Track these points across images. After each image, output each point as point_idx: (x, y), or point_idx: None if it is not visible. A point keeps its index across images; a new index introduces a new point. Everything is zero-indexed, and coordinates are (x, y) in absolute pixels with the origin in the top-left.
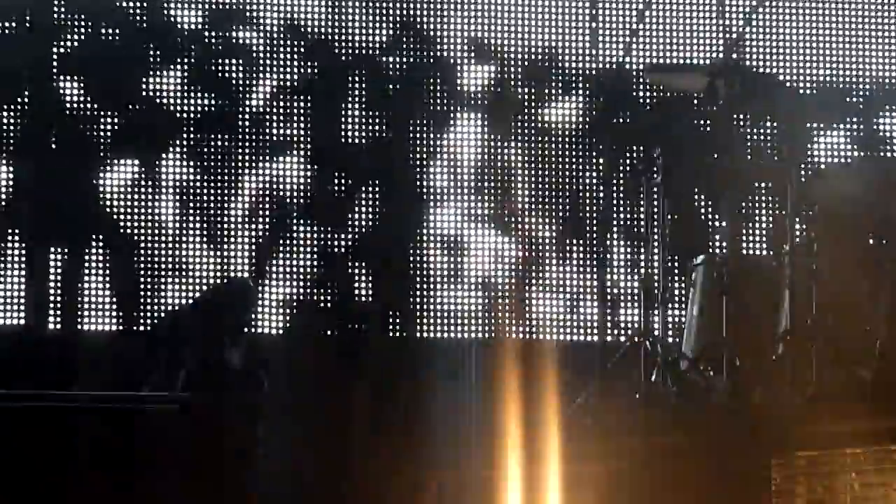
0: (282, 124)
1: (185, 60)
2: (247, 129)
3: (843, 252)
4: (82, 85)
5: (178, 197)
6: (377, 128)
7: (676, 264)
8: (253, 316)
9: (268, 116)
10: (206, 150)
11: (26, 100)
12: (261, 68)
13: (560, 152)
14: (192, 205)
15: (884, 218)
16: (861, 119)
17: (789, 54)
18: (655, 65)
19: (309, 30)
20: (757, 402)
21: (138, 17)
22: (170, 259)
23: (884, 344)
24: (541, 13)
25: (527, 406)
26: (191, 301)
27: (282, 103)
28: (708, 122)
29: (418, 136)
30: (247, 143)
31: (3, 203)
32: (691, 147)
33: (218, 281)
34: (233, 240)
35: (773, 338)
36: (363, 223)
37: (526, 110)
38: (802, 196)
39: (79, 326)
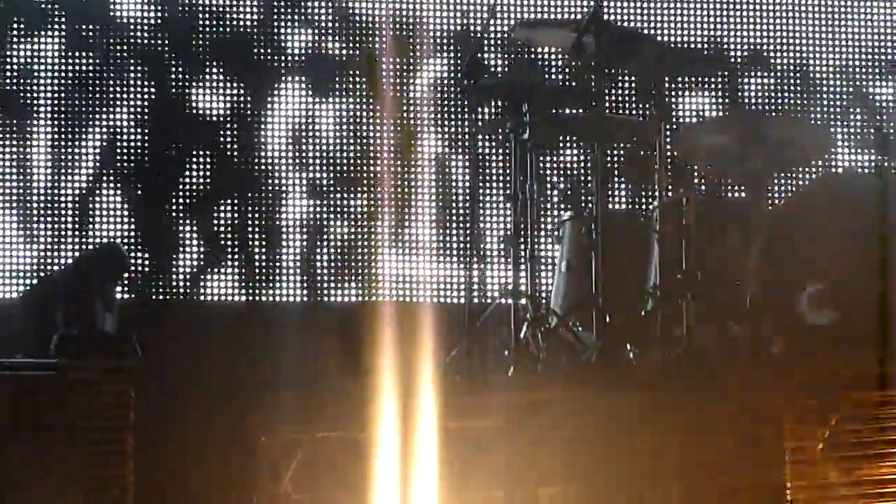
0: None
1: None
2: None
3: (712, 207)
4: None
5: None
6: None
7: (545, 220)
8: (124, 281)
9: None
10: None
11: None
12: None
13: (426, 114)
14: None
15: (751, 172)
16: (727, 76)
17: (658, 11)
18: (522, 20)
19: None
20: (627, 357)
21: None
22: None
23: (754, 298)
24: None
25: (399, 367)
26: (61, 267)
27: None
28: (576, 77)
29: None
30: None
31: None
32: (559, 103)
33: (88, 247)
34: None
35: (643, 293)
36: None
37: (390, 74)
38: (670, 150)
39: None
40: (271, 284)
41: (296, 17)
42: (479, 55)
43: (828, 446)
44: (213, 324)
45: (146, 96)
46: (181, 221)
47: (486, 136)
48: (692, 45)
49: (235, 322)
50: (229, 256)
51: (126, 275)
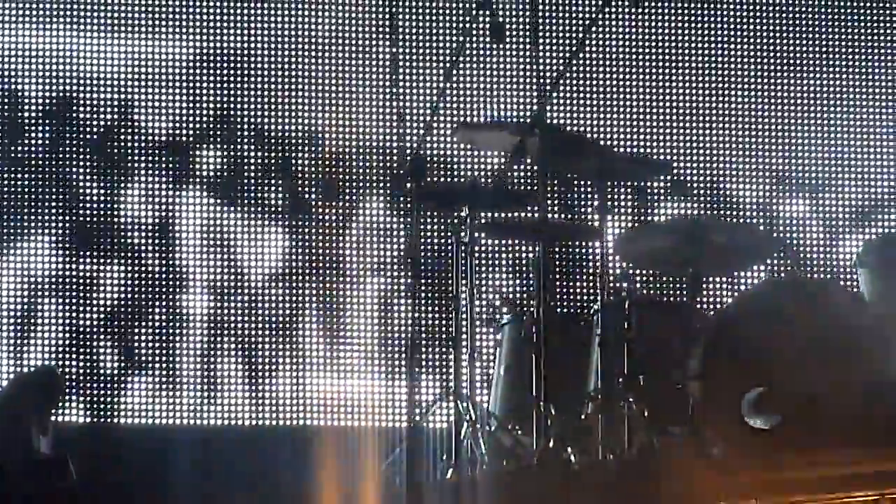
0: None
1: None
2: None
3: (654, 310)
4: None
5: None
6: None
7: (486, 323)
8: (59, 403)
9: None
10: None
11: None
12: None
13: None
14: None
15: (693, 276)
16: (668, 177)
17: (598, 114)
18: (464, 122)
19: None
20: (566, 462)
21: None
22: None
23: (696, 403)
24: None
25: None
26: None
27: None
28: (517, 179)
29: None
30: None
31: None
32: (500, 205)
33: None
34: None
35: (583, 397)
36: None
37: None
38: (612, 254)
39: None
40: (208, 408)
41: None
42: (420, 158)
43: None
44: (148, 447)
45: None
46: (113, 344)
47: (426, 239)
48: (636, 151)
49: (176, 445)
50: (163, 380)
51: (62, 398)
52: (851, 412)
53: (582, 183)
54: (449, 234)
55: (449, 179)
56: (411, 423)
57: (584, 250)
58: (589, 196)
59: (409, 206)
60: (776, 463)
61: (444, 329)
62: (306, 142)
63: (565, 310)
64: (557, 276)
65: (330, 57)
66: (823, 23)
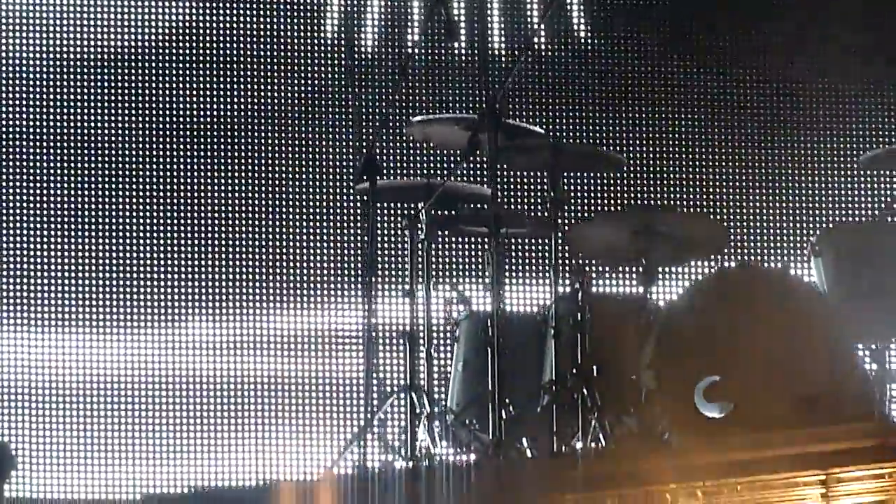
0: None
1: None
2: None
3: (609, 302)
4: None
5: None
6: None
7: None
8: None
9: None
10: None
11: None
12: None
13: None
14: None
15: (647, 267)
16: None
17: (551, 107)
18: (418, 119)
19: None
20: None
21: None
22: None
23: (649, 393)
24: None
25: None
26: None
27: None
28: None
29: None
30: None
31: None
32: (457, 199)
33: None
34: None
35: (538, 389)
36: None
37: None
38: (567, 246)
39: None
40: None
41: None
42: (375, 154)
43: None
44: None
45: None
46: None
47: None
48: (588, 142)
49: None
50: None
51: (14, 474)
52: (802, 398)
53: (535, 176)
54: (404, 230)
55: (403, 176)
56: (367, 415)
57: (537, 244)
58: (542, 189)
59: (364, 203)
60: (726, 446)
61: (400, 324)
62: (259, 139)
63: (520, 304)
64: (512, 271)
65: (286, 52)
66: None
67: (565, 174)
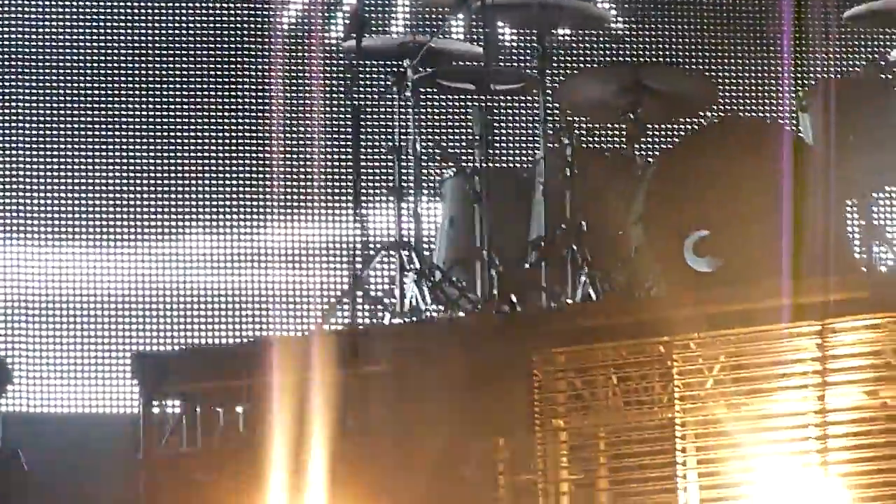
0: None
1: None
2: None
3: (597, 158)
4: None
5: None
6: None
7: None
8: (7, 394)
9: None
10: None
11: None
12: None
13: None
14: None
15: (634, 122)
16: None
17: None
18: None
19: None
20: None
21: None
22: None
23: (638, 248)
24: None
25: None
26: None
27: None
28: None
29: None
30: None
31: None
32: (445, 57)
33: None
34: None
35: (527, 246)
36: None
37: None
38: (552, 102)
39: None
40: None
41: None
42: (363, 12)
43: (717, 383)
44: (103, 437)
45: None
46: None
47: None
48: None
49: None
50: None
51: (9, 388)
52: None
53: (523, 33)
54: (391, 87)
55: (392, 35)
56: (355, 272)
57: (524, 100)
58: (530, 46)
59: (351, 60)
60: (718, 297)
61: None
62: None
63: (507, 161)
64: (499, 128)
65: None
66: None
67: (554, 30)
